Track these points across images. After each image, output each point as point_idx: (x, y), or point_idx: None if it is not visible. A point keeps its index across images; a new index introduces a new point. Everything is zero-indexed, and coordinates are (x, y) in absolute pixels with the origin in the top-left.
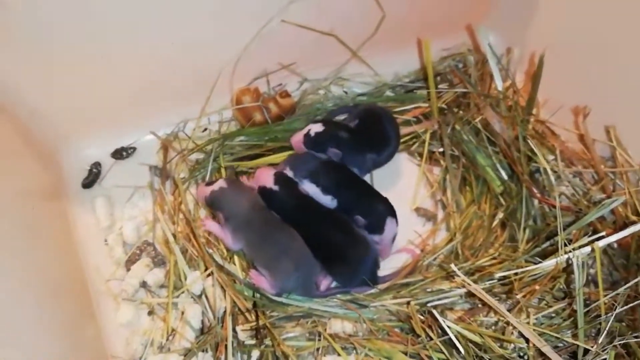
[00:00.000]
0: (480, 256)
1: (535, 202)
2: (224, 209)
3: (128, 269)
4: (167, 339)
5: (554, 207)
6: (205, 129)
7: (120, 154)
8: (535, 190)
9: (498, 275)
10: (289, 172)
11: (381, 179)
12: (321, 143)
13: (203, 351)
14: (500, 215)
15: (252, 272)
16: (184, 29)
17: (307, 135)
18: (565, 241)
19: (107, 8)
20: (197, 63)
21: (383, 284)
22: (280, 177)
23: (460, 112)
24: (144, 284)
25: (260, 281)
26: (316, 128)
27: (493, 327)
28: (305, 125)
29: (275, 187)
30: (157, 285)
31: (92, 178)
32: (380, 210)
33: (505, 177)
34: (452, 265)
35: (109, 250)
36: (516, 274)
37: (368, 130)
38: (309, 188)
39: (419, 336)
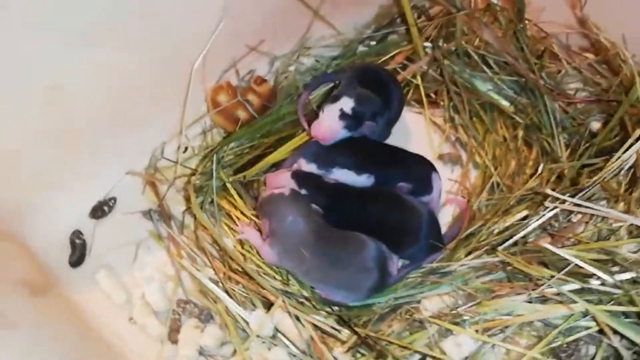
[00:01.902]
0: (525, 180)
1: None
2: (274, 220)
3: (175, 341)
4: None
5: (575, 105)
6: (186, 148)
7: (100, 210)
8: (555, 92)
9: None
10: (308, 167)
11: (390, 140)
12: (360, 117)
13: None
14: (520, 133)
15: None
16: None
17: (343, 114)
18: None
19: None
20: (156, 75)
21: (450, 243)
22: (301, 177)
23: (445, 44)
24: (201, 351)
25: (334, 295)
26: (348, 103)
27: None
28: (292, 108)
29: (303, 191)
30: (218, 344)
31: (78, 252)
32: (422, 170)
33: (512, 94)
34: (548, 190)
35: (141, 329)
36: (602, 177)
37: (372, 87)
38: (341, 174)
39: (526, 278)
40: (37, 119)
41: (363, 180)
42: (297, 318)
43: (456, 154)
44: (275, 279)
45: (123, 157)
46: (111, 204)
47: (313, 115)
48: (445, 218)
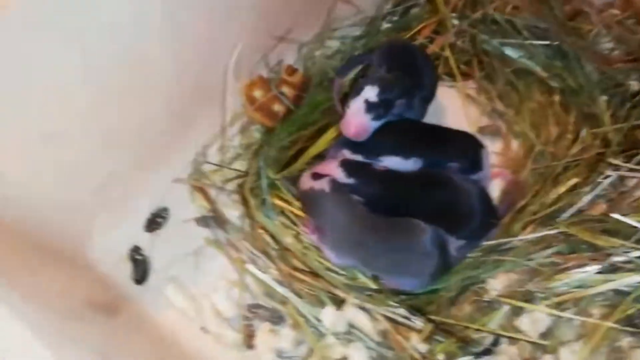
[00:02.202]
0: (567, 145)
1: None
2: (317, 215)
3: (250, 347)
4: None
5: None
6: (223, 148)
7: (154, 223)
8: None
9: None
10: (354, 156)
11: (426, 117)
12: (388, 102)
13: None
14: (557, 98)
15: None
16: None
17: (369, 105)
18: None
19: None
20: (192, 79)
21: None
22: (351, 166)
23: (471, 12)
24: (280, 354)
25: (399, 283)
26: (371, 92)
27: None
28: (326, 95)
29: (351, 180)
30: (295, 345)
31: (141, 268)
32: (471, 147)
33: (545, 59)
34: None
35: (216, 338)
36: None
37: (403, 65)
38: (390, 161)
39: (590, 248)
40: (85, 137)
41: (411, 164)
42: (368, 311)
43: (495, 125)
44: (339, 274)
45: (167, 166)
46: (164, 214)
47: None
48: (494, 193)
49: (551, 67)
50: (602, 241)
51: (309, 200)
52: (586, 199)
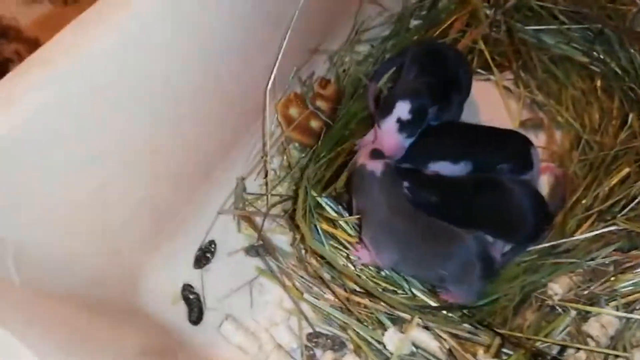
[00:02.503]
0: (614, 133)
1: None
2: (360, 196)
3: None
4: None
5: None
6: (266, 173)
7: (203, 258)
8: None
9: None
10: (404, 164)
11: (464, 114)
12: (423, 113)
13: None
14: (599, 83)
15: (442, 294)
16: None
17: (402, 124)
18: None
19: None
20: (231, 107)
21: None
22: (402, 173)
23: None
24: None
25: (455, 296)
26: (403, 108)
27: None
28: (361, 104)
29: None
30: None
31: (196, 308)
32: (520, 146)
33: (584, 44)
34: None
35: None
36: None
37: (436, 70)
38: (440, 167)
39: None
40: (131, 174)
41: (460, 168)
42: (432, 330)
43: (537, 118)
44: (397, 293)
45: (209, 198)
46: (212, 248)
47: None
48: (543, 189)
49: (591, 52)
50: None
51: (357, 177)
52: None
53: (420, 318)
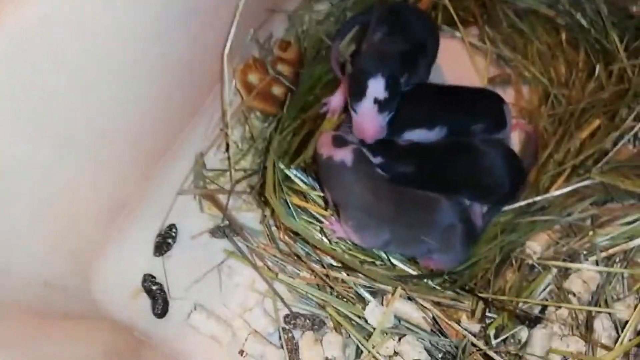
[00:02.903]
0: (582, 85)
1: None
2: (335, 190)
3: None
4: None
5: None
6: (227, 147)
7: (164, 245)
8: None
9: None
10: None
11: (432, 76)
12: (397, 87)
13: None
14: (564, 36)
15: (423, 261)
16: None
17: (380, 103)
18: None
19: None
20: (184, 75)
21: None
22: (373, 145)
23: None
24: None
25: (439, 263)
26: (377, 86)
27: None
28: (325, 67)
29: (377, 160)
30: (343, 349)
31: (160, 298)
32: (492, 104)
33: None
34: None
35: (261, 359)
36: None
37: (403, 34)
38: (416, 135)
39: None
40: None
41: (436, 133)
42: (414, 300)
43: (505, 73)
44: (376, 264)
45: (167, 178)
46: (173, 233)
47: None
48: (515, 147)
49: (557, 4)
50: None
51: (326, 170)
52: (618, 146)
53: (402, 288)
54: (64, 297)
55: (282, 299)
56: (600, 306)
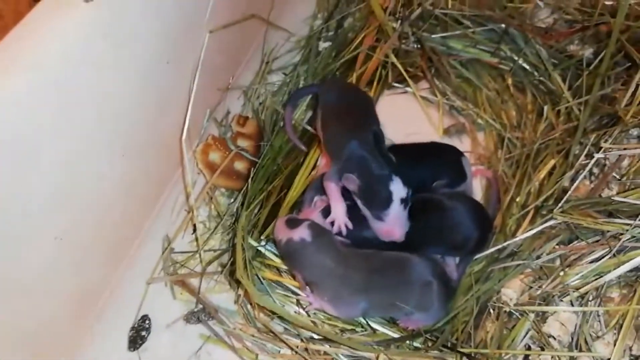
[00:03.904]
0: (532, 127)
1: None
2: (304, 269)
3: None
4: None
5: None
6: (194, 227)
7: (138, 338)
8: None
9: None
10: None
11: (388, 130)
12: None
13: None
14: (510, 80)
15: (402, 321)
16: None
17: (404, 201)
18: None
19: None
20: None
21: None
22: None
23: (407, 13)
24: None
25: (419, 322)
26: (400, 186)
27: None
28: (284, 138)
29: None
30: None
31: None
32: (450, 159)
33: (491, 44)
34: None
35: None
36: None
37: (356, 107)
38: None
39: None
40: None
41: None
42: None
43: (459, 123)
44: (356, 331)
45: (137, 267)
46: (147, 325)
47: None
48: (477, 194)
49: (499, 52)
50: (607, 225)
51: (291, 254)
52: (575, 184)
53: (385, 354)
54: None
55: None
56: (580, 347)
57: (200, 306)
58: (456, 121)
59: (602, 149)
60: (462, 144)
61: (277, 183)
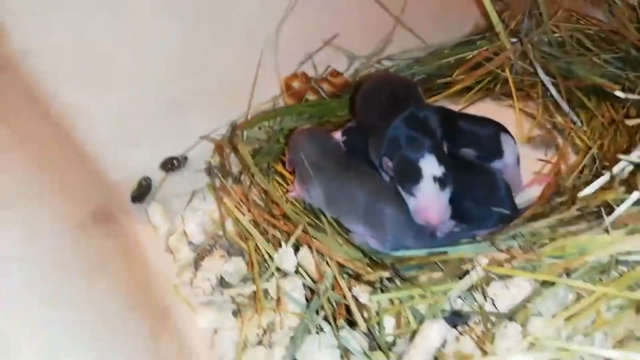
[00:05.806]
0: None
1: None
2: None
3: (197, 266)
4: (265, 332)
5: None
6: (259, 127)
7: (170, 164)
8: None
9: None
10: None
11: None
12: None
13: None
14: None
15: (352, 229)
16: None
17: (440, 180)
18: None
19: None
20: (231, 60)
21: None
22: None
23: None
24: (221, 281)
25: (365, 239)
26: (432, 164)
27: None
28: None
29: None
30: (239, 276)
31: (142, 190)
32: (485, 130)
33: (617, 71)
34: None
35: (174, 253)
36: None
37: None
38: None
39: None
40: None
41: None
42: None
43: (550, 136)
44: (310, 217)
45: (202, 127)
46: (182, 160)
47: None
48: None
49: (624, 80)
50: None
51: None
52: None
53: (314, 238)
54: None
55: (223, 228)
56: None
57: (220, 167)
58: (547, 134)
59: None
60: (545, 156)
61: (323, 120)
